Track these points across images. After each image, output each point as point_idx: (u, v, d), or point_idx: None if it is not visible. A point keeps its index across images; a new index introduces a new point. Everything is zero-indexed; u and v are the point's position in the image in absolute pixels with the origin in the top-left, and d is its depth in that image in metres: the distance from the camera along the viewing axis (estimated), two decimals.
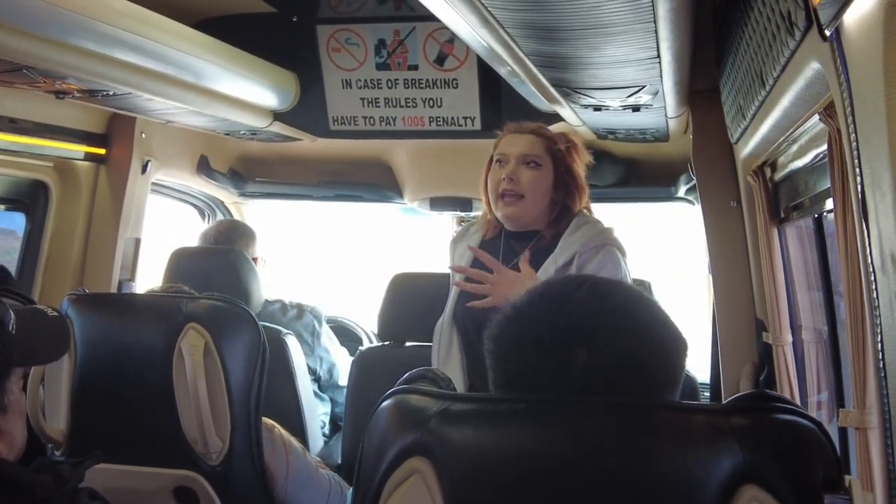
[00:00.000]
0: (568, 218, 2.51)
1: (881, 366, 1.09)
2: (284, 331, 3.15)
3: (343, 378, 3.49)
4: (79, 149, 3.29)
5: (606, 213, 2.63)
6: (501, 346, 1.17)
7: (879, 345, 1.08)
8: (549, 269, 2.42)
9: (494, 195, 2.52)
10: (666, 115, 2.76)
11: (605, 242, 2.44)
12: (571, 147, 2.55)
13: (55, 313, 1.57)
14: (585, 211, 2.57)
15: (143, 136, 3.43)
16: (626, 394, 1.09)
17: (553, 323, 1.12)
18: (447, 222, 4.19)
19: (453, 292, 2.61)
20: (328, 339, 3.55)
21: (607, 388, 1.08)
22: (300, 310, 3.47)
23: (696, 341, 3.53)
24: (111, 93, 2.59)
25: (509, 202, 2.48)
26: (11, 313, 1.41)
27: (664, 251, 5.10)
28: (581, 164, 2.56)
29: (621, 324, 1.12)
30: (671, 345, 1.15)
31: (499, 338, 1.17)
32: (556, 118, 3.05)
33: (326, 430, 3.49)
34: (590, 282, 1.18)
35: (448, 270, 2.71)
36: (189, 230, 4.17)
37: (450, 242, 2.76)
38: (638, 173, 3.71)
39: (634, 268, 2.55)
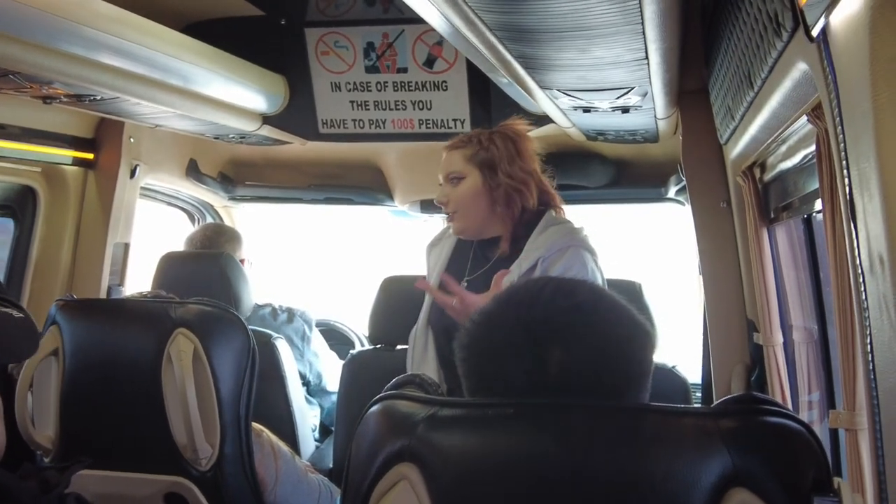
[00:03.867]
0: (512, 219, 2.49)
1: (871, 367, 1.09)
2: (274, 335, 3.14)
3: (331, 383, 3.48)
4: (67, 154, 3.27)
5: (596, 215, 2.65)
6: (473, 353, 1.18)
7: (869, 346, 1.08)
8: (513, 275, 2.39)
9: None
10: (655, 117, 2.76)
11: (570, 244, 2.41)
12: (508, 141, 2.50)
13: (21, 315, 1.56)
14: (554, 212, 2.55)
15: (132, 140, 3.42)
16: (602, 390, 1.10)
17: (524, 324, 1.13)
18: (438, 225, 4.18)
19: (428, 298, 2.61)
20: (318, 343, 3.54)
21: (583, 384, 1.09)
22: (290, 314, 3.47)
23: (688, 342, 3.53)
24: (99, 97, 2.57)
25: (451, 218, 2.54)
26: None
27: (655, 252, 5.10)
28: (522, 158, 2.50)
29: (589, 319, 1.14)
30: (638, 337, 1.17)
31: (469, 345, 1.18)
32: (546, 119, 3.05)
33: (317, 435, 3.48)
34: (554, 281, 1.21)
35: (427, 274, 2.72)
36: (180, 234, 4.15)
37: (426, 246, 2.76)
38: (628, 174, 3.71)
39: (625, 269, 2.54)
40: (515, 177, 2.48)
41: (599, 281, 2.43)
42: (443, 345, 2.54)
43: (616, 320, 1.17)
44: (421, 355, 2.56)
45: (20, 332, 1.56)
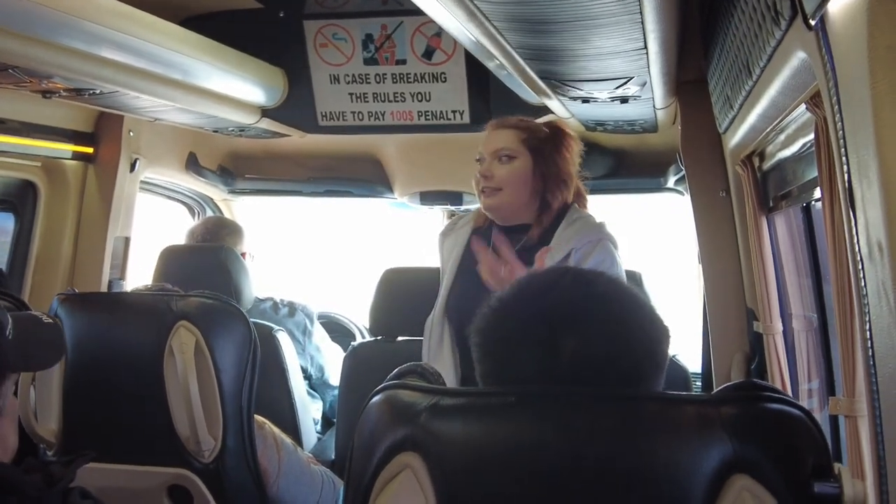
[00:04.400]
0: (550, 211, 2.51)
1: (870, 353, 1.09)
2: (276, 327, 3.15)
3: (333, 377, 3.48)
4: (67, 148, 3.27)
5: (598, 205, 2.65)
6: (488, 338, 1.17)
7: (868, 332, 1.08)
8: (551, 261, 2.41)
9: (477, 191, 2.56)
10: (654, 107, 2.76)
11: (601, 237, 2.44)
12: (557, 136, 2.53)
13: (50, 320, 1.56)
14: (577, 206, 2.57)
15: (132, 134, 3.42)
16: (614, 381, 1.10)
17: (540, 312, 1.13)
18: (437, 216, 4.19)
19: (444, 286, 2.61)
20: (320, 337, 3.54)
21: (595, 375, 1.09)
22: (292, 308, 3.47)
23: (688, 331, 3.54)
24: (98, 91, 2.58)
25: (488, 194, 2.51)
26: (9, 318, 1.40)
27: (655, 241, 5.10)
28: (569, 154, 2.54)
29: (606, 310, 1.14)
30: (655, 331, 1.17)
31: (485, 330, 1.18)
32: (545, 111, 3.05)
33: (319, 428, 3.49)
34: (573, 271, 1.22)
35: (438, 265, 2.72)
36: (181, 228, 4.16)
37: (438, 235, 2.76)
38: (627, 164, 3.72)
39: (625, 259, 2.55)
40: (565, 170, 2.52)
41: (622, 274, 2.44)
42: (459, 333, 2.54)
43: (632, 312, 1.16)
44: (437, 345, 2.56)
45: (48, 339, 1.56)
